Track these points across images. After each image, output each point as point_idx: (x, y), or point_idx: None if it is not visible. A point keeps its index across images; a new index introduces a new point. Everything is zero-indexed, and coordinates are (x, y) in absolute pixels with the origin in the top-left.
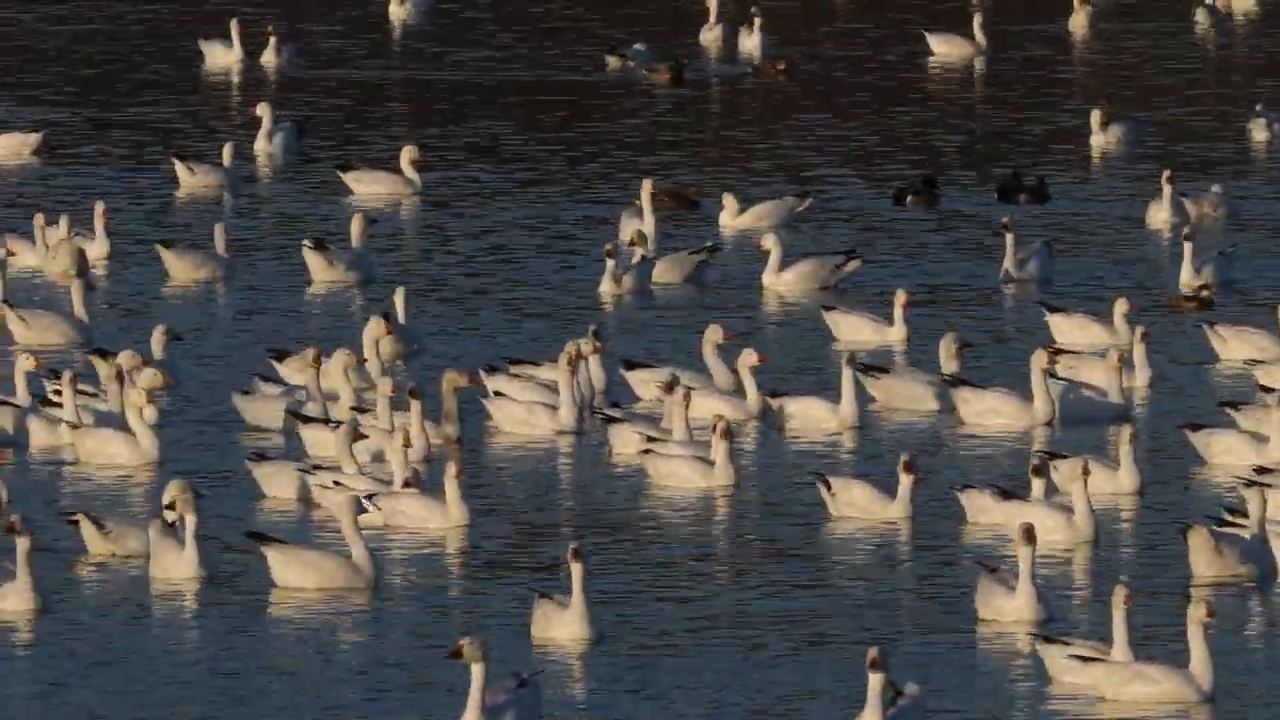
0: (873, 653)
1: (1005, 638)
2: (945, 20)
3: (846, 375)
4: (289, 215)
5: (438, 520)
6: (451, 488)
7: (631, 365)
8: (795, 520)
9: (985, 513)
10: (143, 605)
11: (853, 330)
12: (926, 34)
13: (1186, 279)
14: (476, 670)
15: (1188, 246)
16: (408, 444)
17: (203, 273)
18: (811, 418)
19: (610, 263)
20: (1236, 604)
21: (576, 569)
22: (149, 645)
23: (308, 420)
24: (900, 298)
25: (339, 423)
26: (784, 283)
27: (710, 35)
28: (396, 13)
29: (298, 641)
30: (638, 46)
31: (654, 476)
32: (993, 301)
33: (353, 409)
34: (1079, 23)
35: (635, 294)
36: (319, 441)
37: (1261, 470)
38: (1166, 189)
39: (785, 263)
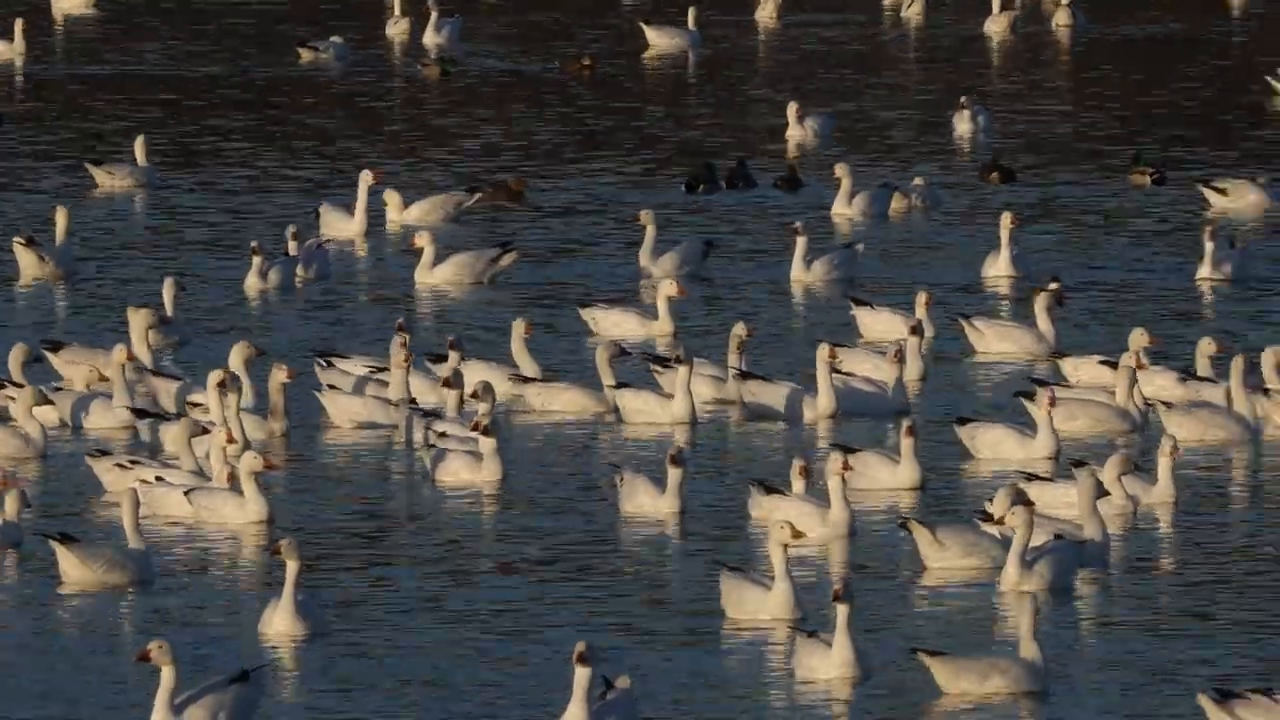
0: (580, 647)
1: (759, 635)
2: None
3: (681, 372)
4: None
5: (238, 514)
6: (248, 483)
7: (436, 359)
8: (560, 516)
9: (754, 507)
10: None
11: (616, 325)
12: (644, 27)
13: (797, 274)
14: (166, 673)
15: (800, 241)
16: (231, 440)
17: None
18: (647, 413)
19: (256, 259)
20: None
21: (290, 566)
22: None
23: (145, 415)
24: (668, 289)
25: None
26: (437, 278)
27: (396, 29)
28: (60, 5)
29: (68, 636)
30: (334, 40)
31: (434, 471)
32: (783, 295)
33: (188, 404)
34: (766, 14)
35: (279, 290)
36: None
37: (1078, 464)
38: (844, 182)
39: (439, 258)
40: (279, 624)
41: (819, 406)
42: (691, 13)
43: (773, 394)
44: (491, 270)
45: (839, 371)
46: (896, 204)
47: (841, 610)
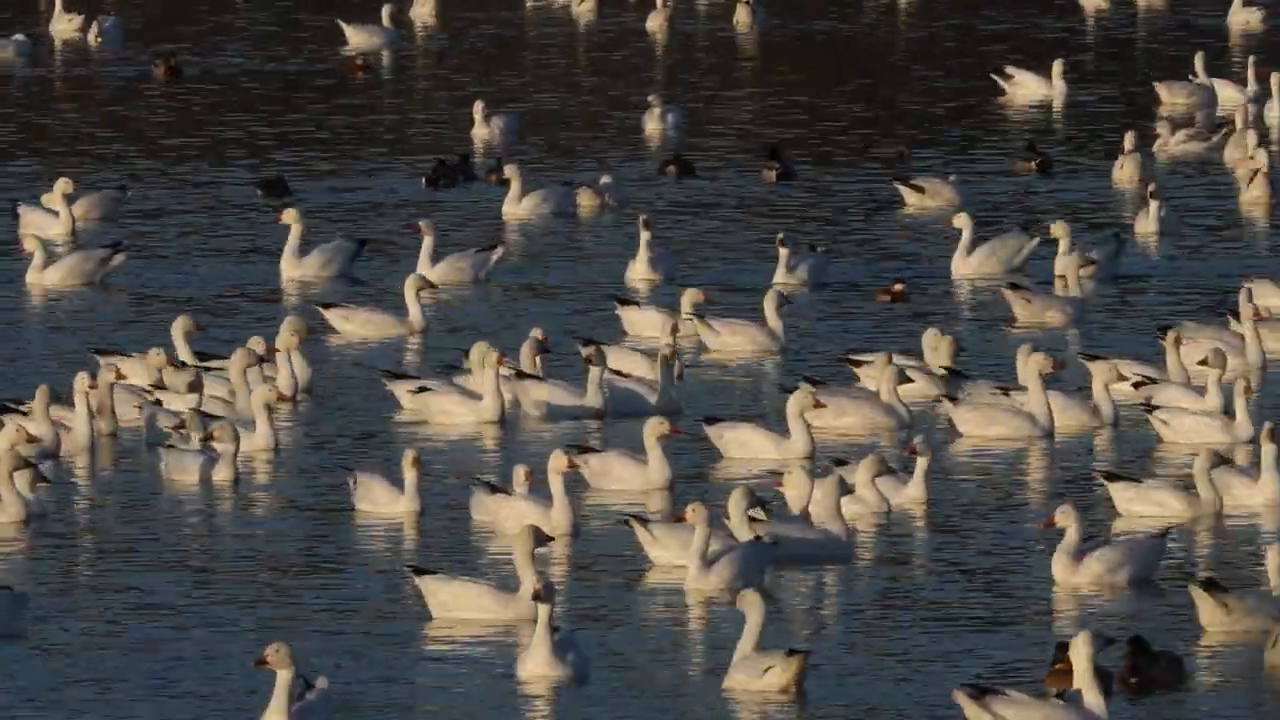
0: (275, 647)
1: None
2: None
3: (489, 374)
4: None
5: None
6: (5, 485)
7: (205, 356)
8: (288, 517)
9: (479, 508)
10: None
11: (365, 324)
12: (343, 25)
13: (423, 272)
14: None
15: (428, 240)
16: (32, 439)
17: None
18: (453, 414)
19: None
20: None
21: None
22: None
23: None
24: (415, 283)
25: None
26: (48, 280)
27: (68, 25)
28: None
29: None
30: (17, 37)
31: (165, 470)
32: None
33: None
34: (426, 11)
35: None
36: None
37: (839, 462)
38: (514, 182)
39: (50, 259)
40: None
41: (589, 405)
42: (386, 11)
43: (543, 393)
44: (102, 271)
45: (617, 371)
46: (588, 202)
47: (542, 610)
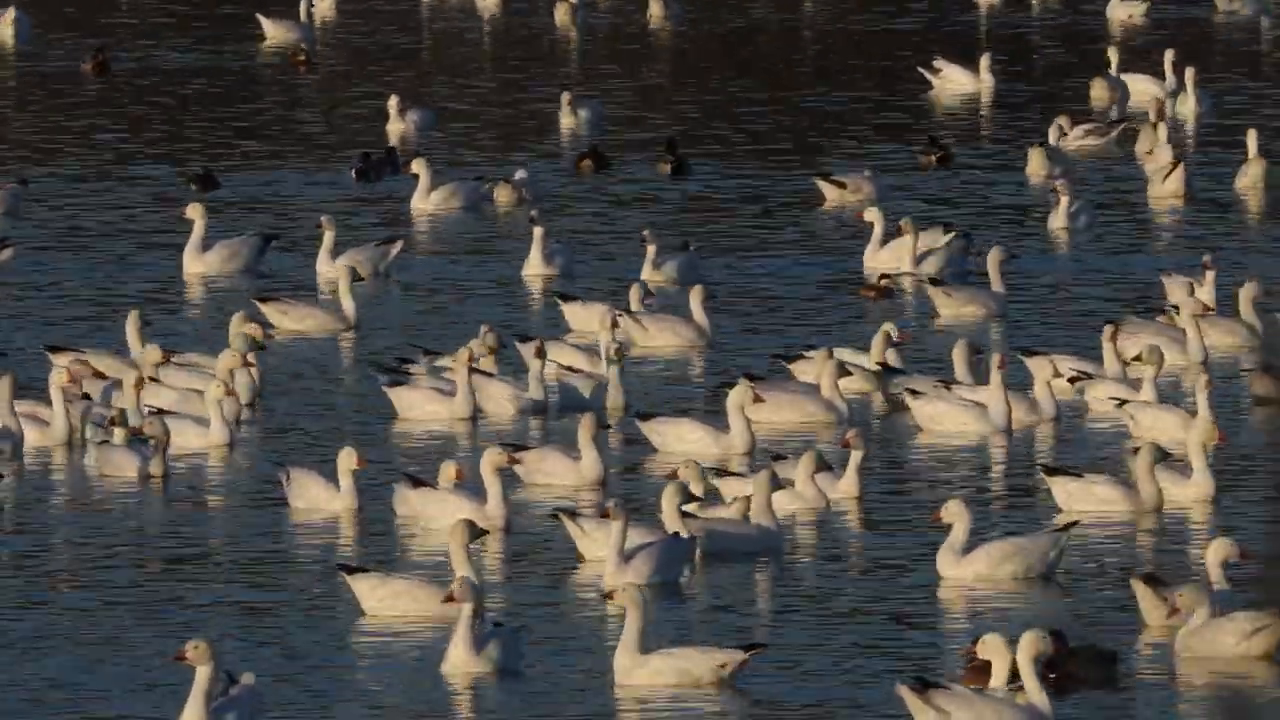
0: (194, 643)
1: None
2: None
3: (461, 371)
4: None
5: None
6: None
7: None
8: (221, 513)
9: (402, 502)
10: None
11: (302, 319)
12: (261, 18)
13: (323, 267)
14: None
15: (328, 236)
16: None
17: None
18: (429, 413)
19: None
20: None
21: None
22: None
23: None
24: (344, 277)
25: None
26: None
27: None
28: None
29: None
30: None
31: (95, 466)
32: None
33: None
34: (326, 5)
35: None
36: None
37: (776, 457)
38: (423, 176)
39: None
40: None
41: (532, 399)
42: (303, 5)
43: (495, 390)
44: None
45: (566, 367)
46: (505, 197)
47: (464, 609)
